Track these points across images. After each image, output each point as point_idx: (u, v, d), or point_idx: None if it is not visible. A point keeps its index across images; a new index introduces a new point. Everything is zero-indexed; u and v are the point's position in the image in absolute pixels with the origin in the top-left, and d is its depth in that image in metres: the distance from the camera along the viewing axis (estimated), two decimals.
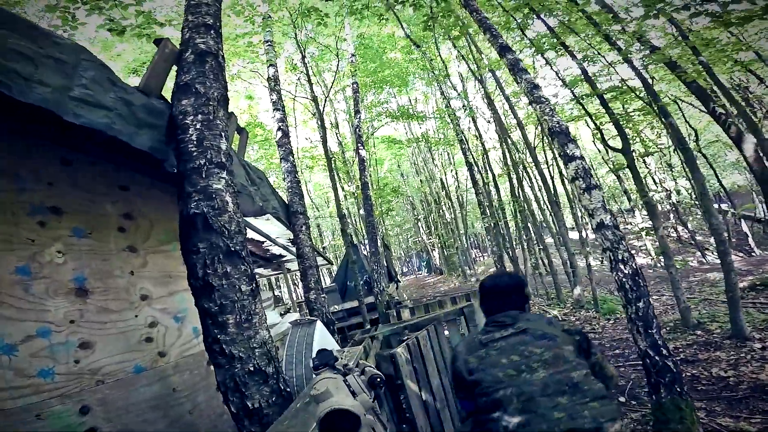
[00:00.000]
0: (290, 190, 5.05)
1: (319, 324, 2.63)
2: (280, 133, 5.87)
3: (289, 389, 2.02)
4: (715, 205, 6.54)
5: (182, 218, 2.10)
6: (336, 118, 16.86)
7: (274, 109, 6.18)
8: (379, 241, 8.67)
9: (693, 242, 14.39)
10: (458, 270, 21.48)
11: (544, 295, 10.73)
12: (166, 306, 2.76)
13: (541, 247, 12.48)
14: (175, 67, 2.55)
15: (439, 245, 25.65)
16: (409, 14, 13.49)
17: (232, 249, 2.05)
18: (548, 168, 11.78)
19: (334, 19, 10.58)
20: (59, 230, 2.13)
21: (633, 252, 3.38)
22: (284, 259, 7.58)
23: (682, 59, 5.84)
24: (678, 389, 3.15)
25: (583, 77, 7.61)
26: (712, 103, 6.34)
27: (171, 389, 2.43)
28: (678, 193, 17.14)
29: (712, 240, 14.77)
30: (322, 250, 23.44)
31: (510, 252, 12.27)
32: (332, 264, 12.51)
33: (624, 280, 3.14)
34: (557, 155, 3.57)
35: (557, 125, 3.46)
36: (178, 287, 2.80)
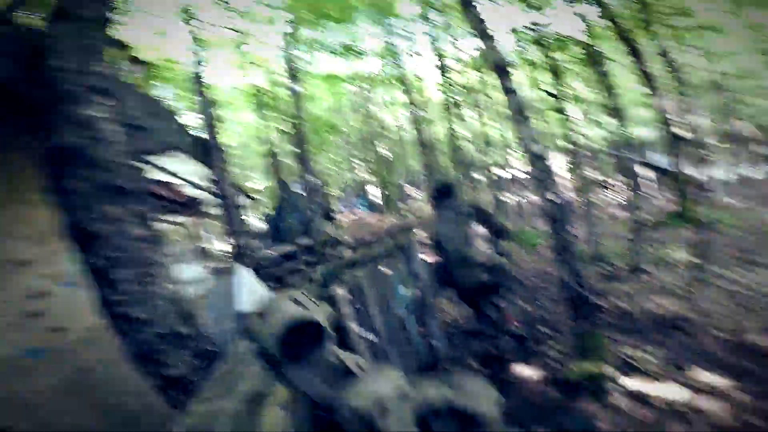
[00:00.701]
0: (207, 127, 4.47)
1: (242, 270, 2.39)
2: (195, 67, 5.06)
3: (215, 349, 1.80)
4: (628, 155, 7.12)
5: (52, 153, 1.65)
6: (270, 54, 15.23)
7: (195, 44, 5.29)
8: (313, 178, 8.31)
9: (605, 185, 16.01)
10: (395, 206, 21.85)
11: None
12: (50, 270, 2.30)
13: (473, 184, 12.95)
14: None
15: (379, 183, 25.64)
16: None
17: (121, 186, 1.66)
18: (482, 109, 11.88)
19: None
20: None
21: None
22: (203, 202, 6.93)
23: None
24: (594, 321, 3.39)
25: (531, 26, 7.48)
26: (641, 63, 6.68)
27: (83, 369, 2.08)
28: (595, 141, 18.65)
29: (621, 184, 16.64)
30: (252, 191, 22.28)
31: None
32: (256, 201, 12.00)
33: (550, 209, 3.26)
34: (500, 87, 3.48)
35: (499, 59, 3.37)
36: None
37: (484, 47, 3.52)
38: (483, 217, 4.35)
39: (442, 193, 4.23)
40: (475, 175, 12.61)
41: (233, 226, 3.76)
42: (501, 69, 3.40)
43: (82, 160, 1.62)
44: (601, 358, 3.22)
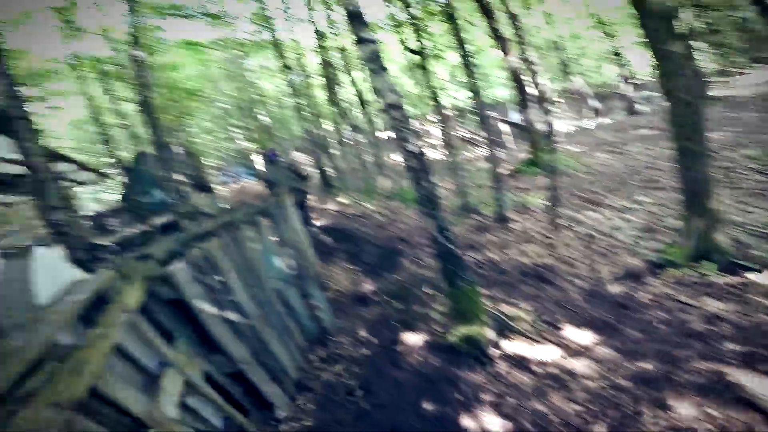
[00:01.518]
0: (6, 93, 3.46)
1: (39, 252, 1.90)
2: None
3: None
4: (488, 112, 7.84)
5: None
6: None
7: None
8: (177, 147, 7.31)
9: (469, 140, 17.69)
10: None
11: (360, 190, 11.31)
12: None
13: (355, 144, 12.99)
14: None
15: (258, 150, 24.15)
16: None
17: None
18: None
19: None
20: None
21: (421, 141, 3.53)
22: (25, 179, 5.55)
23: None
24: (466, 277, 3.27)
25: None
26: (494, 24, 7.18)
27: None
28: (459, 100, 20.35)
29: (481, 139, 18.53)
30: (116, 166, 18.97)
31: (328, 153, 12.43)
32: (105, 176, 10.25)
33: (410, 159, 3.31)
34: (355, 40, 3.32)
35: (353, 6, 3.19)
36: None
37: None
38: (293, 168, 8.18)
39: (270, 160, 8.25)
40: (360, 138, 12.63)
41: (47, 199, 3.03)
42: (354, 16, 3.25)
43: None
44: (480, 319, 3.20)
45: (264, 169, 9.29)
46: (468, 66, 6.42)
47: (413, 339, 3.56)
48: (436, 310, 3.86)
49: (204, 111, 19.69)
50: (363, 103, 9.94)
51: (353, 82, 11.31)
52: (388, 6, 9.29)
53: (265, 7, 12.05)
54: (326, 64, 11.29)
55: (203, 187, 10.33)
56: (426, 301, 4.14)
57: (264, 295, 3.30)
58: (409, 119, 3.38)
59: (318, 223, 8.07)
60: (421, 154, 3.43)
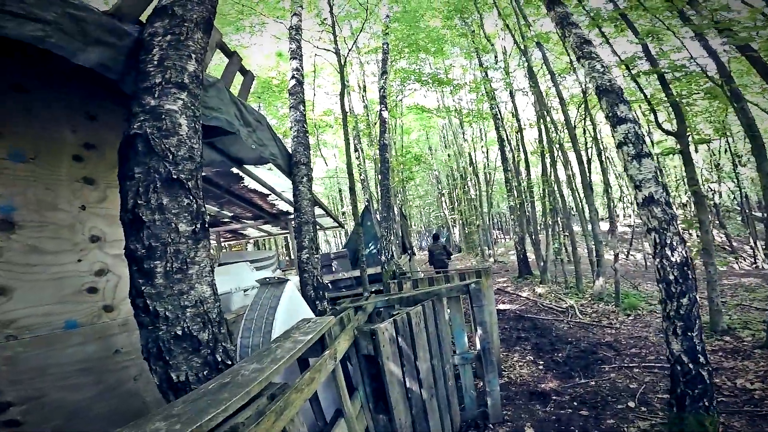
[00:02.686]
0: (296, 140, 4.64)
1: (290, 286, 2.23)
2: (293, 81, 5.42)
3: (230, 362, 1.63)
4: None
5: (122, 140, 1.72)
6: (364, 80, 16.14)
7: (291, 58, 5.75)
8: (395, 209, 8.22)
9: (730, 246, 13.35)
10: (477, 249, 20.88)
11: (563, 283, 10.09)
12: (119, 251, 2.44)
13: (566, 233, 11.71)
14: None
15: (461, 222, 24.93)
16: None
17: (174, 176, 1.63)
18: (586, 150, 10.79)
19: None
20: None
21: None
22: (292, 216, 7.28)
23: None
24: (706, 404, 2.77)
25: (643, 54, 6.68)
26: None
27: (113, 351, 2.09)
28: (720, 195, 15.94)
29: (746, 247, 13.77)
30: (341, 215, 23.27)
31: (533, 235, 11.56)
32: (342, 227, 12.20)
33: (669, 269, 2.58)
34: (606, 116, 2.93)
35: (608, 83, 2.86)
36: None
37: (588, 70, 3.03)
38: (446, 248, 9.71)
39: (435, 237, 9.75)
40: (575, 227, 11.36)
41: (302, 238, 3.72)
42: (609, 92, 2.88)
43: (145, 147, 1.63)
44: None
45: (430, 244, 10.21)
46: (755, 139, 4.87)
47: None
48: (638, 427, 3.26)
49: (420, 176, 21.95)
50: (587, 187, 8.91)
51: (583, 161, 10.13)
52: (627, 77, 8.33)
53: (490, 78, 12.76)
54: (546, 140, 10.78)
55: (406, 248, 11.27)
56: (626, 416, 3.52)
57: (441, 367, 3.21)
58: (675, 219, 2.64)
59: (506, 307, 7.58)
60: (685, 263, 2.61)
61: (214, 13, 2.18)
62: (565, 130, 10.26)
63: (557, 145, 9.63)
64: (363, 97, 15.52)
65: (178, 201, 1.63)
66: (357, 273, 7.46)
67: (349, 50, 7.88)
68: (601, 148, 9.54)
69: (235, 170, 4.36)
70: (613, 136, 2.86)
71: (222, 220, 7.51)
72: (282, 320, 2.04)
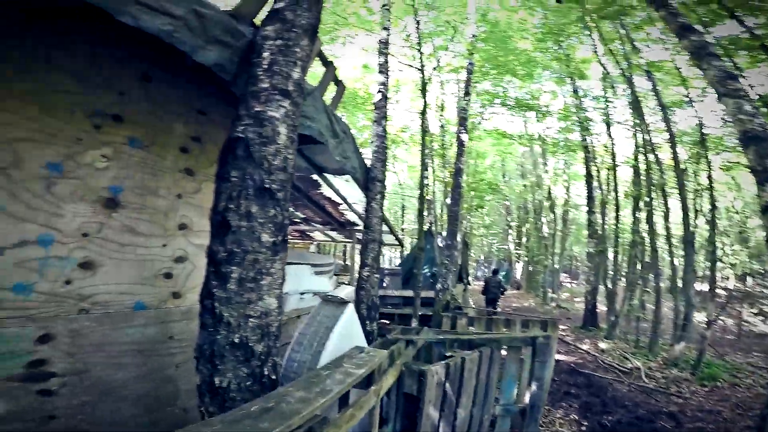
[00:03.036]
0: (375, 155, 4.68)
1: (349, 309, 2.18)
2: (379, 95, 5.52)
3: (275, 376, 1.61)
4: None
5: (225, 142, 1.81)
6: (443, 101, 16.02)
7: (379, 72, 5.87)
8: (459, 235, 7.97)
9: None
10: (539, 290, 19.49)
11: (633, 342, 9.01)
12: (205, 242, 2.57)
13: (648, 289, 10.42)
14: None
15: (525, 259, 23.54)
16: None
17: (266, 186, 1.67)
18: (694, 200, 9.52)
19: None
20: (113, 136, 2.02)
21: None
22: (357, 227, 7.36)
23: None
24: None
25: None
26: None
27: (168, 336, 2.20)
28: None
29: None
30: (400, 231, 23.25)
31: (611, 285, 10.49)
32: (402, 246, 12.09)
33: None
34: (753, 169, 2.48)
35: (759, 128, 2.39)
36: None
37: (733, 110, 2.60)
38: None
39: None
40: (658, 283, 10.10)
41: (366, 256, 3.70)
42: (760, 140, 2.41)
43: (244, 152, 1.68)
44: None
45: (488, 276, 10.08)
46: None
47: None
48: None
49: (490, 204, 21.05)
50: (689, 244, 7.85)
51: (688, 212, 8.56)
52: None
53: (583, 107, 11.77)
54: (647, 182, 9.51)
55: (462, 278, 10.85)
56: None
57: (479, 417, 2.96)
58: None
59: (561, 358, 7.02)
60: None
61: (319, 21, 2.21)
62: (669, 173, 9.09)
63: (659, 190, 8.61)
64: (440, 116, 15.41)
65: (266, 211, 1.66)
66: (406, 293, 7.38)
67: (434, 68, 7.84)
68: (715, 199, 8.28)
69: (314, 176, 4.50)
70: (759, 196, 2.42)
71: (294, 219, 7.86)
72: (335, 343, 1.99)
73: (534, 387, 3.58)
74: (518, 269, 26.30)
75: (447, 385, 2.54)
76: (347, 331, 2.11)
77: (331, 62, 3.85)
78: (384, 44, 6.03)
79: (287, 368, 1.98)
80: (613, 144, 11.17)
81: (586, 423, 4.71)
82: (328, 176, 4.65)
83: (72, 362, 1.78)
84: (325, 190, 5.43)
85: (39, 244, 1.68)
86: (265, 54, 1.86)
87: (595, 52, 11.95)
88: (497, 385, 3.35)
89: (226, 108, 2.65)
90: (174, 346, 2.22)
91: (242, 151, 1.69)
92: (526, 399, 3.42)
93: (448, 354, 2.84)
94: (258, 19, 2.27)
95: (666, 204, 8.55)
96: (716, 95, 3.08)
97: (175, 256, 2.29)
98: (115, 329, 1.95)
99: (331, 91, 4.30)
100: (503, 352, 3.33)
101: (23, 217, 1.64)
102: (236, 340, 1.51)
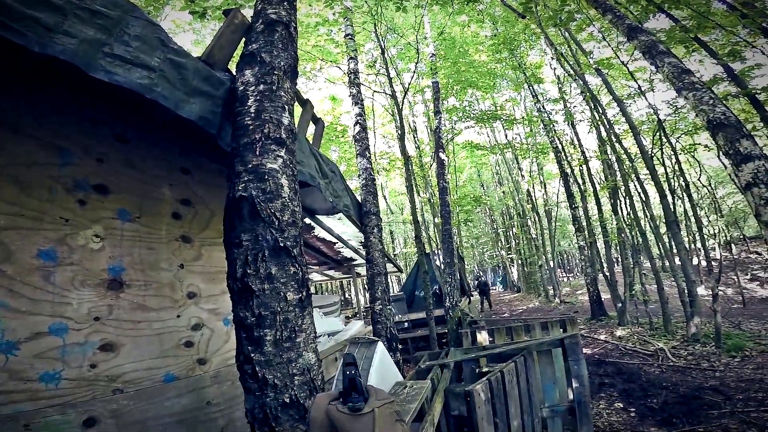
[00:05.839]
0: (364, 188, 4.69)
1: (380, 347, 2.12)
2: (357, 128, 5.57)
3: None
4: None
5: (227, 203, 1.73)
6: (414, 122, 16.38)
7: (353, 104, 5.93)
8: (454, 251, 7.97)
9: None
10: (539, 289, 19.56)
11: (646, 324, 9.07)
12: (217, 306, 2.46)
13: (644, 271, 10.61)
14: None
15: (519, 261, 23.71)
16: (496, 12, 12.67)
17: (281, 245, 1.62)
18: (667, 182, 9.90)
19: (413, 12, 10.21)
20: (101, 211, 1.89)
21: None
22: (355, 262, 7.27)
23: None
24: None
25: (726, 75, 6.22)
26: None
27: (205, 402, 2.11)
28: None
29: None
30: (393, 256, 23.12)
31: (608, 275, 10.63)
32: (402, 272, 11.99)
33: None
34: (725, 153, 2.60)
35: (722, 116, 2.54)
36: None
37: (695, 102, 2.75)
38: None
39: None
40: (645, 263, 10.32)
41: (374, 290, 3.64)
42: (725, 126, 2.56)
43: (251, 212, 1.63)
44: None
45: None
46: None
47: None
48: None
49: (475, 215, 21.32)
50: (673, 224, 8.12)
51: (666, 195, 8.99)
52: None
53: (548, 110, 12.23)
54: (620, 172, 9.88)
55: (465, 291, 10.81)
56: None
57: (531, 422, 2.92)
58: None
59: (584, 352, 6.93)
60: None
61: (297, 60, 2.17)
62: (638, 161, 9.52)
63: (634, 177, 8.92)
64: (414, 137, 15.68)
65: (285, 270, 1.61)
66: (413, 316, 7.29)
67: (405, 93, 8.07)
68: (689, 180, 8.65)
69: (307, 220, 4.46)
70: (736, 176, 2.52)
71: None
72: (375, 382, 1.92)
73: (576, 384, 3.56)
74: (514, 272, 26.40)
75: (493, 400, 2.48)
76: (383, 369, 2.04)
77: (308, 100, 3.86)
78: (354, 74, 6.11)
79: None
80: (579, 141, 11.63)
81: (633, 409, 4.74)
82: (321, 217, 4.61)
83: None
84: (319, 231, 5.37)
85: (53, 334, 1.59)
86: (250, 101, 1.81)
87: (544, 56, 12.65)
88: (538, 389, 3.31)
89: (210, 163, 2.58)
90: (213, 411, 2.13)
91: (249, 211, 1.63)
92: (570, 396, 3.39)
93: (485, 370, 2.78)
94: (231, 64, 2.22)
95: (644, 190, 8.85)
96: (673, 89, 3.26)
97: (191, 324, 2.21)
98: (152, 403, 1.87)
99: (310, 129, 4.33)
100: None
101: (29, 310, 1.55)
102: (286, 400, 1.44)
